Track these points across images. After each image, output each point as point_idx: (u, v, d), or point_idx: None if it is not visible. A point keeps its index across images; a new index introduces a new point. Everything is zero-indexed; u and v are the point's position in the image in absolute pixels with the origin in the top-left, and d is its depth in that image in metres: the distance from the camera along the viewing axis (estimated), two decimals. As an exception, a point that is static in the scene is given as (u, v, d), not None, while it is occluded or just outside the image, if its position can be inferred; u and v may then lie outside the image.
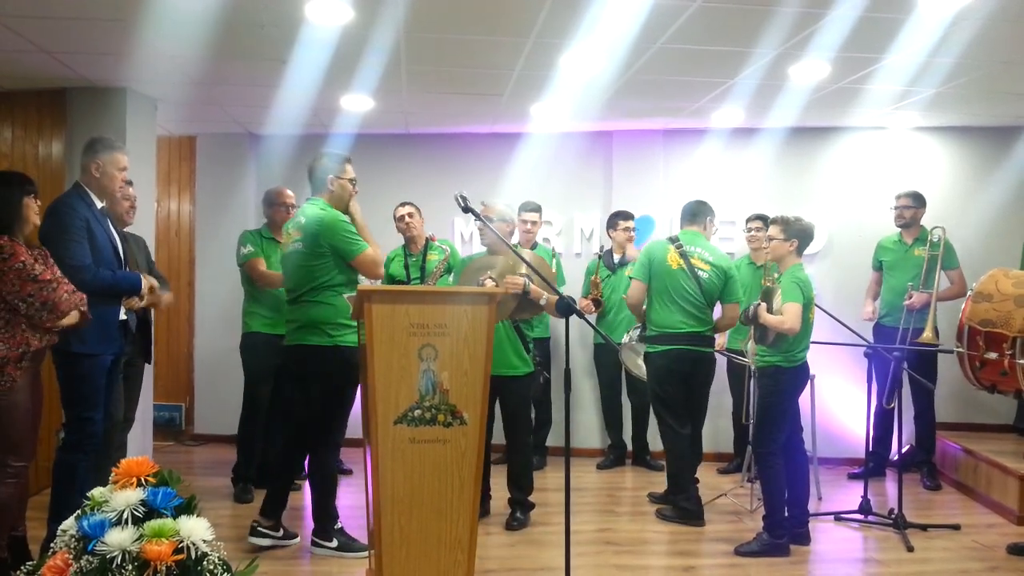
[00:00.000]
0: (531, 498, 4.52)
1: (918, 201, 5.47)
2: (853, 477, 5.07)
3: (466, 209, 3.23)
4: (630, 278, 4.84)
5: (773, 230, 4.26)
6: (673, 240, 4.63)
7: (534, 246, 5.82)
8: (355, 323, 3.63)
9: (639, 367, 4.88)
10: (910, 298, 5.27)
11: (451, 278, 5.10)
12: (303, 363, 3.83)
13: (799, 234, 4.22)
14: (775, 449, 4.09)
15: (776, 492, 4.09)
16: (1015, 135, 6.08)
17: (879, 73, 4.67)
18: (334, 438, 3.94)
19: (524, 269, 4.55)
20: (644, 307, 4.67)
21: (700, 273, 4.52)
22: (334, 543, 3.90)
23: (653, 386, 4.63)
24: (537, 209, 5.73)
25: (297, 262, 3.78)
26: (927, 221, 5.50)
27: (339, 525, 3.98)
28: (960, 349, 3.73)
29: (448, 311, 2.99)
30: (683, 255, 4.54)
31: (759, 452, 4.16)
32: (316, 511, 3.97)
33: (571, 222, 6.46)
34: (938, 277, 5.28)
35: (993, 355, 3.53)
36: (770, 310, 4.07)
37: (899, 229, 5.53)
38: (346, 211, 3.87)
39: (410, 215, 5.41)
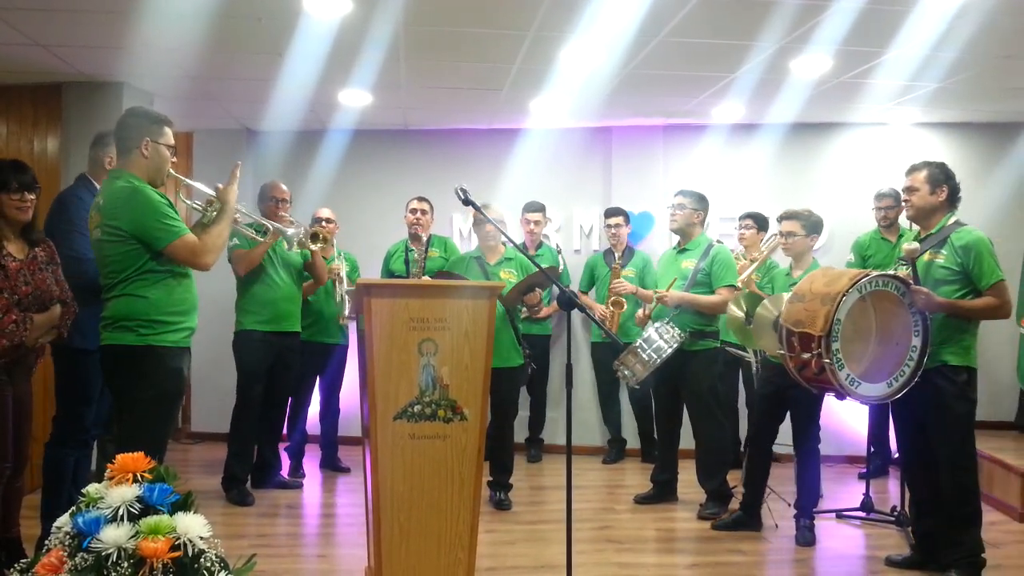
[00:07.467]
0: (532, 496, 4.50)
1: (899, 200, 5.39)
2: (863, 477, 5.01)
3: (466, 202, 3.19)
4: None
5: (792, 225, 4.22)
6: None
7: (539, 245, 5.83)
8: (180, 319, 3.11)
9: (634, 370, 4.52)
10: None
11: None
12: (112, 368, 3.11)
13: (818, 228, 4.25)
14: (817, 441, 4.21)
15: (817, 480, 4.22)
16: (1016, 131, 6.06)
17: (881, 67, 4.65)
18: None
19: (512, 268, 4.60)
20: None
21: None
22: None
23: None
24: (541, 209, 5.76)
25: (103, 252, 3.07)
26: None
27: None
28: (781, 351, 3.65)
29: (448, 305, 2.95)
30: None
31: (811, 447, 4.16)
32: None
33: (570, 218, 6.44)
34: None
35: (806, 355, 3.44)
36: None
37: (877, 227, 5.39)
38: (160, 185, 3.19)
39: (423, 212, 5.44)
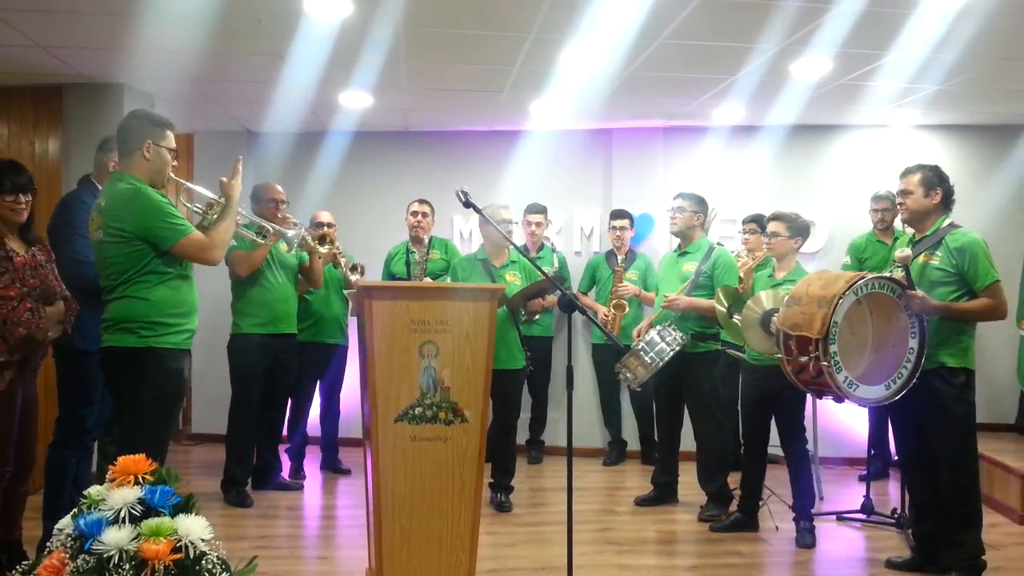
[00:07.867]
0: (533, 497, 4.50)
1: (896, 202, 5.38)
2: (863, 479, 5.02)
3: (467, 204, 3.19)
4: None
5: (777, 226, 4.22)
6: None
7: (540, 247, 5.84)
8: (181, 321, 3.11)
9: (635, 372, 4.50)
10: None
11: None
12: (113, 369, 3.12)
13: (803, 231, 4.23)
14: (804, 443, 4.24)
15: (810, 480, 4.25)
16: (1016, 134, 6.06)
17: (881, 69, 4.65)
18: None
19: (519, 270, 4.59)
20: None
21: None
22: None
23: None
24: (542, 211, 5.76)
25: (104, 253, 3.07)
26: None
27: None
28: (779, 355, 3.64)
29: (449, 307, 2.95)
30: None
31: (799, 448, 4.18)
32: None
33: (571, 220, 6.44)
34: None
35: (804, 359, 3.44)
36: None
37: (873, 229, 5.37)
38: (161, 187, 3.19)
39: (424, 214, 5.48)
